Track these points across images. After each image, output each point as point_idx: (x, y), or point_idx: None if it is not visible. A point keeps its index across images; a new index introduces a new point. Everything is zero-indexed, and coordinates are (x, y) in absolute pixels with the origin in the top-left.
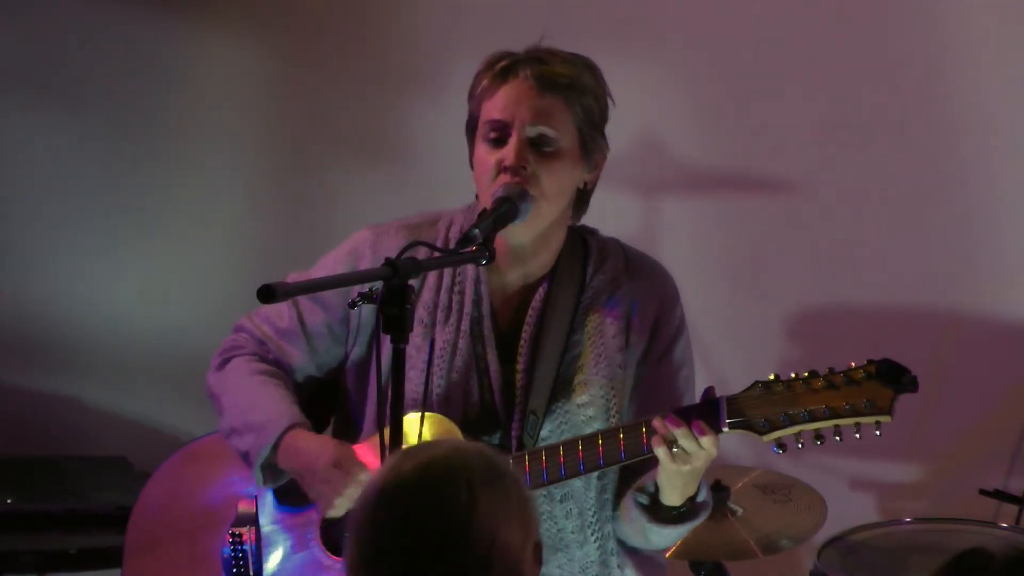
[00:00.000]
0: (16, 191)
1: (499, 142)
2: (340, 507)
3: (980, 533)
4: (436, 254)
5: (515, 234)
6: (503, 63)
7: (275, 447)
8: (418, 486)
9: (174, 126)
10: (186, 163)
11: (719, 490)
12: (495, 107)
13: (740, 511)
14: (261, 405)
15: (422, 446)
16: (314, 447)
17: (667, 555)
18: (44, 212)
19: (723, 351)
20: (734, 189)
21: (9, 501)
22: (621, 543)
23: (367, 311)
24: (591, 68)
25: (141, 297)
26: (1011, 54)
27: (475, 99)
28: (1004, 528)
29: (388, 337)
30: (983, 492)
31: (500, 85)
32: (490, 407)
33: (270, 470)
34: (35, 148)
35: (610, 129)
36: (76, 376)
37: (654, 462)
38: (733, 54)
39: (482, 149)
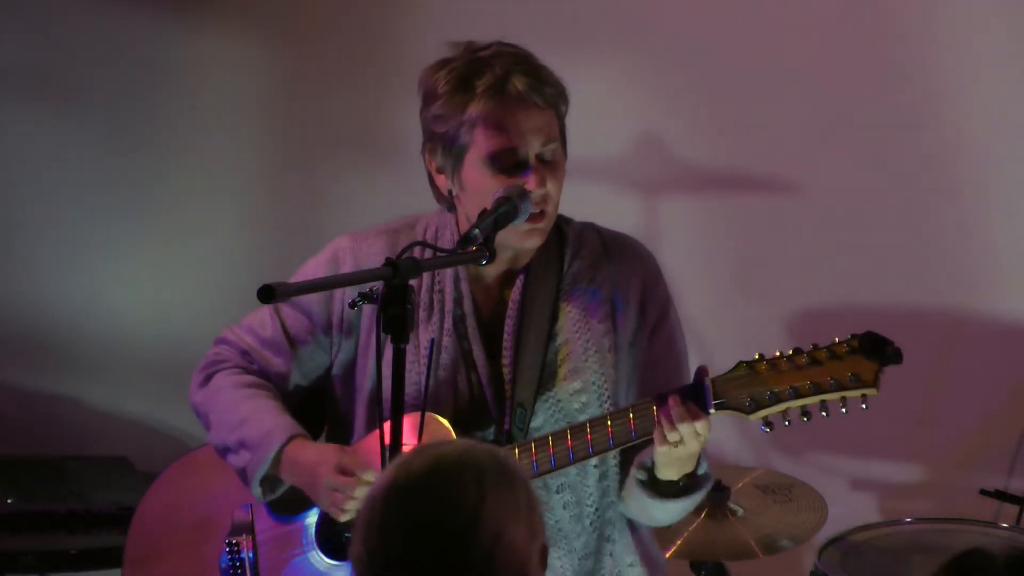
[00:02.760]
0: (16, 191)
1: (507, 169)
2: (351, 511)
3: (981, 533)
4: (431, 253)
5: (522, 242)
6: (484, 81)
7: (275, 461)
8: (427, 482)
9: (174, 126)
10: (186, 163)
11: (719, 490)
12: (500, 137)
13: (741, 511)
14: (252, 420)
15: (432, 445)
16: (314, 457)
17: (667, 555)
18: (44, 212)
19: (723, 351)
20: (734, 189)
21: (10, 501)
22: (629, 527)
23: (351, 316)
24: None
25: (141, 297)
26: (1011, 54)
27: (460, 123)
28: (1005, 528)
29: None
30: (984, 492)
31: (497, 109)
32: (480, 402)
33: (269, 484)
34: (35, 148)
35: (610, 129)
36: (77, 376)
37: (647, 442)
38: (733, 54)
39: (486, 176)
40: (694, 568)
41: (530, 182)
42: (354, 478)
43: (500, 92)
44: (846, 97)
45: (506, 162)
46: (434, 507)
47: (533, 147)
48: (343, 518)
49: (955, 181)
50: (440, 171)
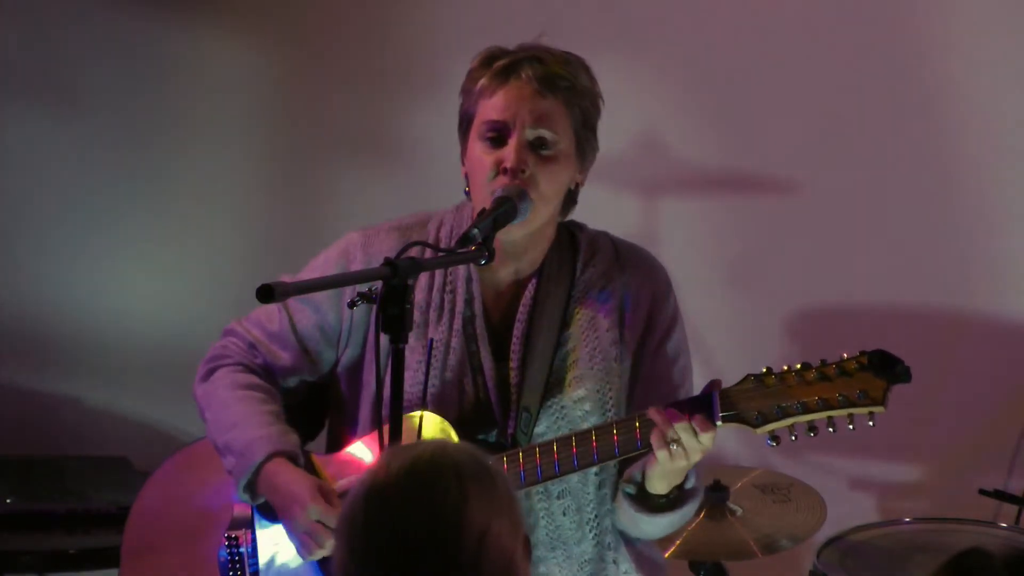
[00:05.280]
0: (16, 191)
1: (497, 142)
2: (318, 555)
3: (980, 533)
4: (436, 254)
5: (508, 232)
6: (503, 62)
7: (256, 473)
8: (407, 483)
9: (173, 126)
10: (186, 163)
11: (719, 490)
12: (495, 107)
13: (740, 511)
14: (241, 426)
15: (406, 446)
16: (289, 489)
17: (666, 555)
18: (45, 212)
19: (723, 351)
20: (734, 189)
21: (9, 501)
22: (622, 537)
23: (359, 313)
24: (586, 68)
25: (141, 297)
26: (1012, 53)
27: (471, 96)
28: (1004, 528)
29: (385, 338)
30: (983, 492)
31: (500, 85)
32: (485, 405)
33: (253, 490)
34: (35, 148)
35: (610, 129)
36: (76, 376)
37: (640, 454)
38: (733, 54)
39: (478, 147)
40: (693, 568)
41: (507, 159)
42: (326, 530)
43: (509, 71)
44: (846, 97)
45: (491, 133)
46: (419, 509)
47: (523, 127)
48: (309, 559)
49: (955, 181)
50: (461, 156)
